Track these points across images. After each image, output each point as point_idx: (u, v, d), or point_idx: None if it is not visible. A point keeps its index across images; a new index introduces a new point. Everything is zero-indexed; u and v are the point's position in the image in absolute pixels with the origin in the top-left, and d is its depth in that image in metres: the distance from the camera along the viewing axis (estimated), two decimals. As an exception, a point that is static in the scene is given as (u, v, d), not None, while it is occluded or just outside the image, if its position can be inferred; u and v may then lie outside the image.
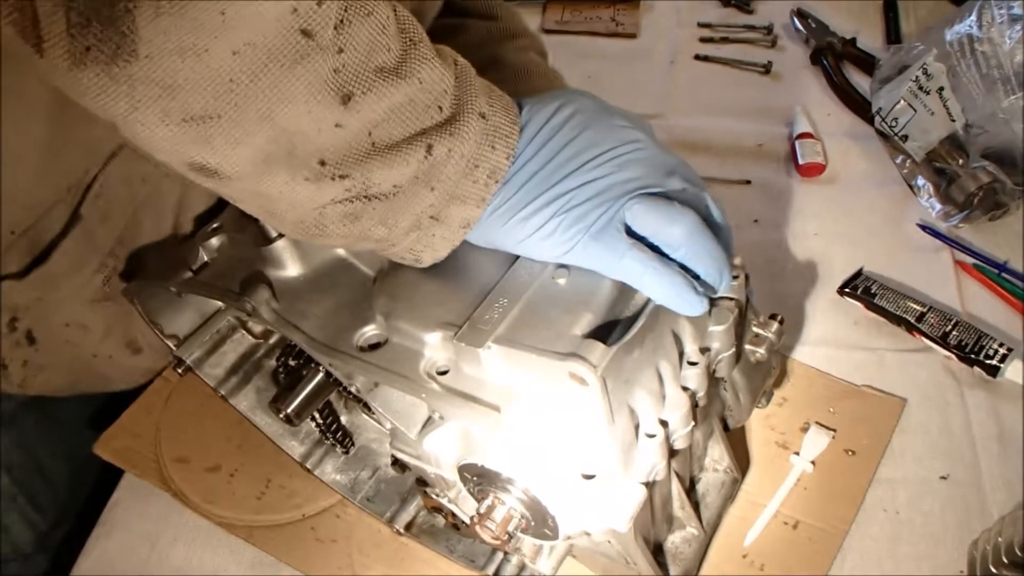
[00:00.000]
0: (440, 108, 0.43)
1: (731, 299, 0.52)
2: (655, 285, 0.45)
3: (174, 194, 0.66)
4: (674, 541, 0.60)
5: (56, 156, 0.58)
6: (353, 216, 0.44)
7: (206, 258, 0.58)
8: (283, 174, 0.41)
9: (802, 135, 0.93)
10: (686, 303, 0.46)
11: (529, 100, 0.49)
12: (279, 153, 0.41)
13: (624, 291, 0.47)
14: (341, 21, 0.39)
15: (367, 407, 0.62)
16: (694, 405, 0.49)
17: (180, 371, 0.63)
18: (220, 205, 0.66)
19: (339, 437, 0.66)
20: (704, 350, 0.50)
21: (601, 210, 0.46)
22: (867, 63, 1.01)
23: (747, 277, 0.53)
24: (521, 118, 0.47)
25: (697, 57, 1.08)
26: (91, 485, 0.83)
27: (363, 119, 0.41)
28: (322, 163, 0.42)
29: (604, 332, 0.45)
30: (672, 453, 0.49)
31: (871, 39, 1.06)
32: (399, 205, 0.45)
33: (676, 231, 0.45)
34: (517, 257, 0.49)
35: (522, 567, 0.59)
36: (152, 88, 0.37)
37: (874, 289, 0.77)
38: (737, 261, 0.54)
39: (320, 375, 0.58)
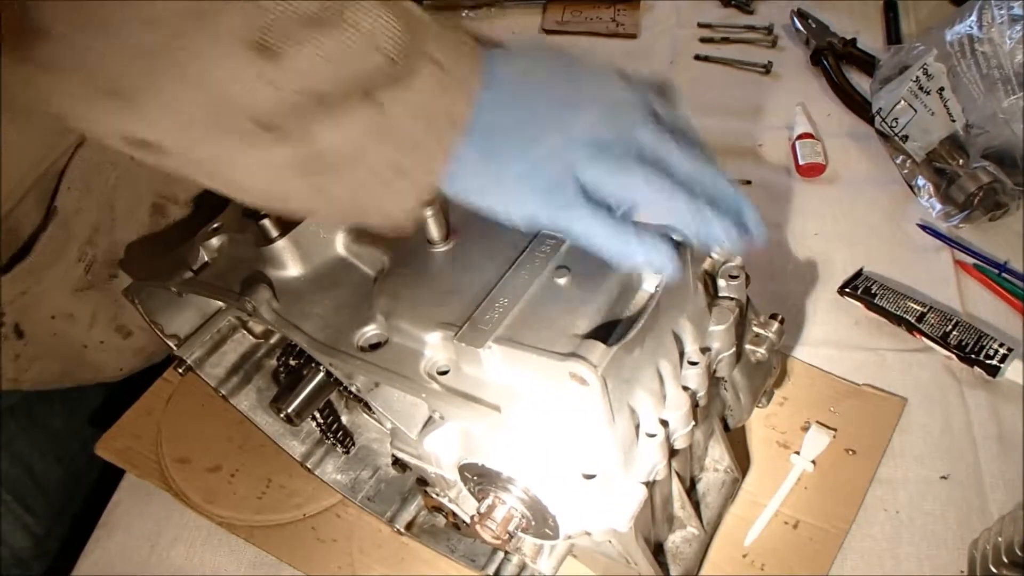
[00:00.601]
0: (386, 56, 0.40)
1: (731, 299, 0.52)
2: (607, 244, 0.43)
3: (144, 174, 0.65)
4: (674, 541, 0.60)
5: (16, 148, 0.58)
6: (312, 183, 0.42)
7: (206, 258, 0.58)
8: (220, 138, 0.40)
9: (802, 135, 0.93)
10: (656, 260, 0.43)
11: (490, 53, 0.45)
12: (208, 116, 0.39)
13: (625, 291, 0.47)
14: None
15: (368, 407, 0.62)
16: (694, 405, 0.49)
17: (181, 371, 0.63)
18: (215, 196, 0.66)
19: (340, 437, 0.66)
20: (704, 350, 0.50)
21: (556, 170, 0.43)
22: (867, 63, 1.01)
23: (747, 277, 0.54)
24: (482, 69, 0.44)
25: (697, 57, 1.08)
26: (89, 487, 0.83)
27: (289, 71, 0.38)
28: (257, 123, 0.39)
29: (604, 332, 0.45)
30: (672, 453, 0.49)
31: (871, 39, 1.06)
32: (356, 164, 0.42)
33: (631, 185, 0.43)
34: (518, 257, 0.49)
35: (522, 567, 0.59)
36: (71, 66, 0.37)
37: (874, 289, 0.77)
38: (737, 261, 0.53)
39: (321, 375, 0.58)
